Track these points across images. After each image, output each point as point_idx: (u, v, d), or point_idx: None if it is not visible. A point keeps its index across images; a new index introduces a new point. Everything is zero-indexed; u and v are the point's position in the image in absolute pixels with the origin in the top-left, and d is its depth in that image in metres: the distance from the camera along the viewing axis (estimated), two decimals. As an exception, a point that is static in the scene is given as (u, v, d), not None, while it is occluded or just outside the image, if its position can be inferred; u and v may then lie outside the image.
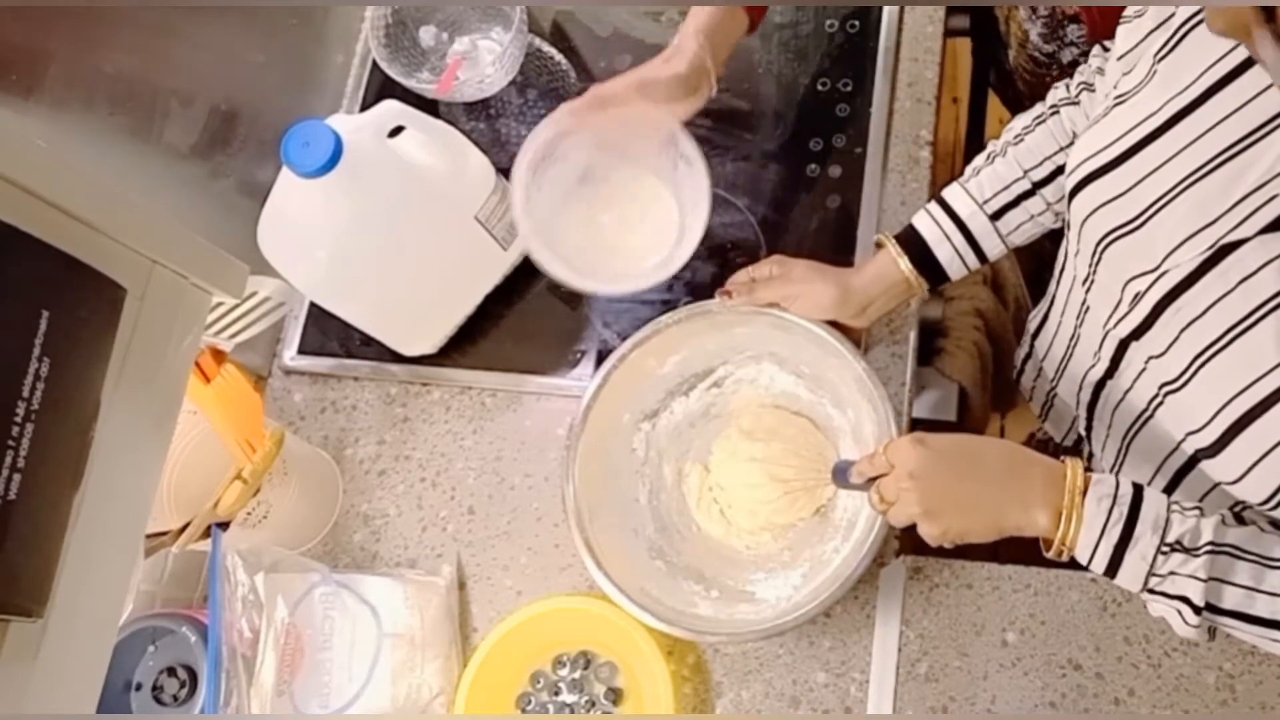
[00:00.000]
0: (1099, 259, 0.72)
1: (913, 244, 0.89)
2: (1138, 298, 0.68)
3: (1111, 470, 0.83)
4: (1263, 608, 0.62)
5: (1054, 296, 0.86)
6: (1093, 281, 0.74)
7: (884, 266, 0.90)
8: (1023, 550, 0.88)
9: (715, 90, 0.90)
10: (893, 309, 0.94)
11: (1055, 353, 0.88)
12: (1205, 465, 0.67)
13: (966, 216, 0.87)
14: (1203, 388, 0.64)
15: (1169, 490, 0.77)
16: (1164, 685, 0.87)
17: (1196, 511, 0.65)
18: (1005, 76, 1.20)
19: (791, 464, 0.94)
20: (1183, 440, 0.69)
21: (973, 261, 0.88)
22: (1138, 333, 0.69)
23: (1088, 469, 0.68)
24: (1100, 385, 0.79)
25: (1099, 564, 0.65)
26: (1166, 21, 0.67)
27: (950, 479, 0.69)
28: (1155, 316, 0.67)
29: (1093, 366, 0.79)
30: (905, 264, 0.89)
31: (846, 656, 0.93)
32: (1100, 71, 0.80)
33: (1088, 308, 0.77)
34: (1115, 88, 0.72)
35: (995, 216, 0.86)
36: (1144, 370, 0.71)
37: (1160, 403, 0.71)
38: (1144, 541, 0.64)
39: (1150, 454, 0.77)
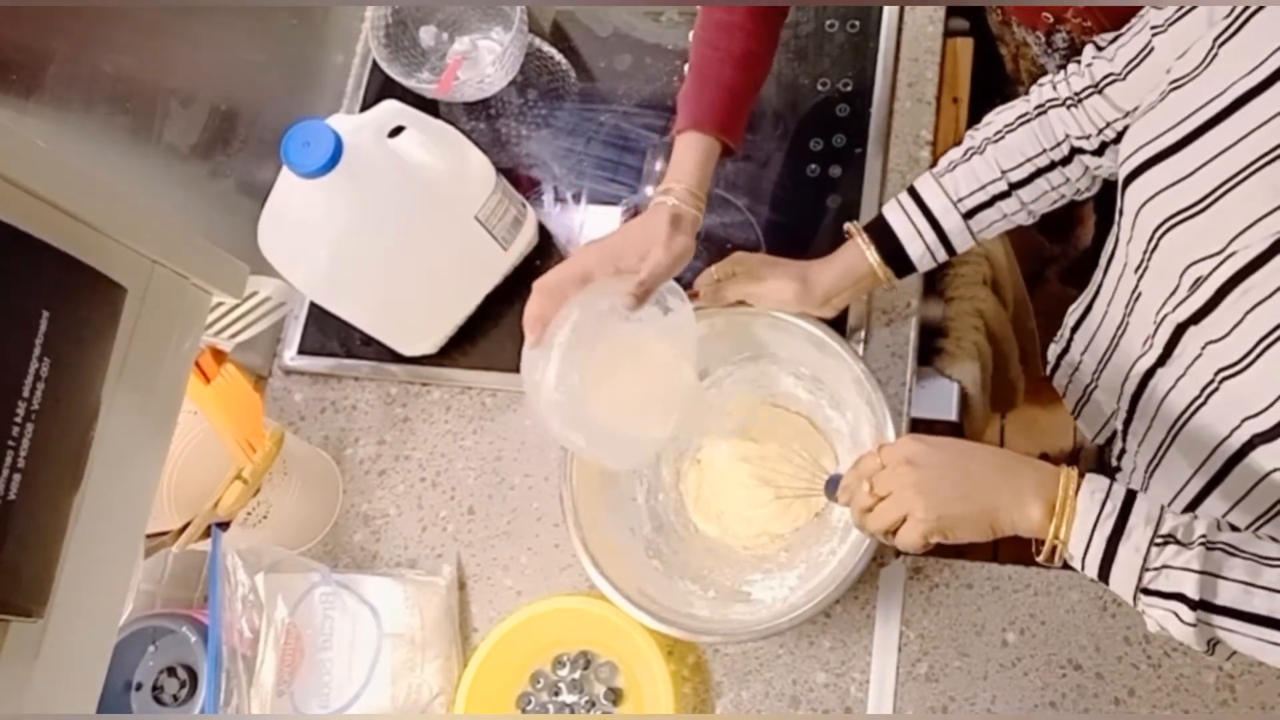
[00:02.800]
0: (1155, 245, 0.71)
1: (883, 236, 0.89)
2: (1199, 282, 0.67)
3: (1148, 469, 0.83)
4: (1260, 604, 0.62)
5: (1099, 286, 0.85)
6: (1146, 268, 0.73)
7: (852, 259, 0.90)
8: (1023, 550, 0.88)
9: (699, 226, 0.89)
10: (857, 297, 0.95)
11: (1099, 344, 0.86)
12: (1262, 451, 0.67)
13: (940, 214, 0.86)
14: (1266, 370, 0.64)
15: (1206, 492, 0.77)
16: (1164, 685, 0.87)
17: (1190, 515, 0.65)
18: None
19: (784, 469, 0.94)
20: (1237, 427, 0.69)
21: (942, 256, 0.88)
22: (1197, 317, 0.68)
23: (1090, 470, 0.67)
24: (1149, 375, 0.78)
25: (1092, 560, 0.65)
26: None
27: (946, 466, 0.70)
28: (1218, 300, 0.66)
29: (1143, 355, 0.78)
30: (873, 255, 0.89)
31: (846, 656, 0.93)
32: (1106, 78, 0.78)
33: (1139, 294, 0.76)
34: (1168, 72, 0.70)
35: (968, 215, 0.86)
36: (1199, 356, 0.70)
37: (1215, 389, 0.70)
38: (1137, 534, 0.64)
39: (1194, 448, 0.76)
